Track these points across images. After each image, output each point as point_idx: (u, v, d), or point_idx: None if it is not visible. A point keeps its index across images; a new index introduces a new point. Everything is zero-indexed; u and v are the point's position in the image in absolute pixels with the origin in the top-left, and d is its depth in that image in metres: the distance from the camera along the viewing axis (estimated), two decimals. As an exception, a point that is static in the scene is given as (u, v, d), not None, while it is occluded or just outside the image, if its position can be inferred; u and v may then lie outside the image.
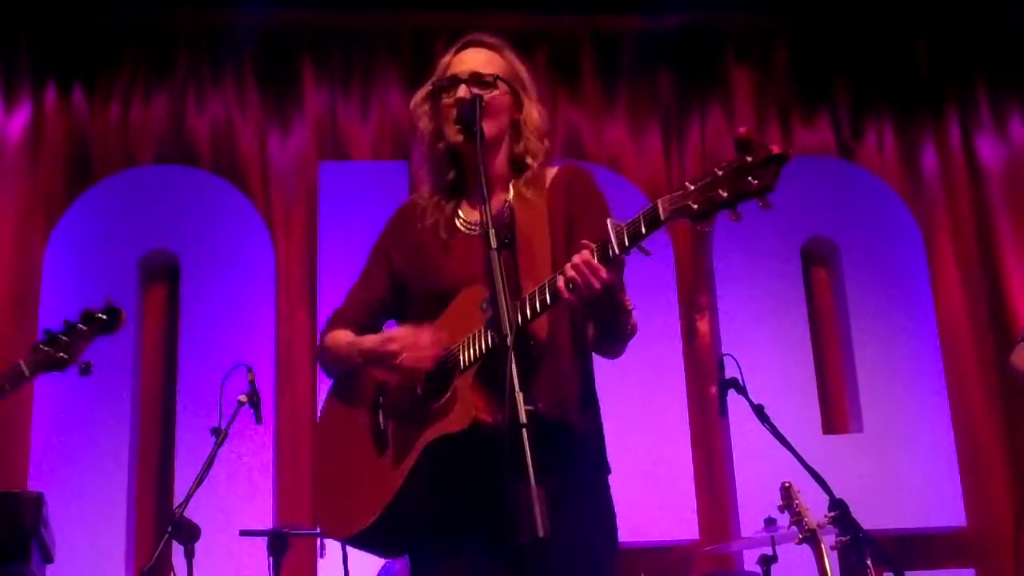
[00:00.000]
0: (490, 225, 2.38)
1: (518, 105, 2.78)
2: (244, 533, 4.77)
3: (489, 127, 2.66)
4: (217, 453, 4.35)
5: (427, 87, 2.81)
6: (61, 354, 3.64)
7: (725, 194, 2.28)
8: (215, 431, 4.41)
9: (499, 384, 2.22)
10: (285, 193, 6.32)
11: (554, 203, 2.72)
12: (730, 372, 4.48)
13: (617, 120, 6.60)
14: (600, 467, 2.69)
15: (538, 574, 2.28)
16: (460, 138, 2.64)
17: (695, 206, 2.30)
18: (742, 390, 4.42)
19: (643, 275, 5.93)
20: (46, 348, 3.65)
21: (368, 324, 2.82)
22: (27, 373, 3.66)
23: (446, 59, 2.80)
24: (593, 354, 2.83)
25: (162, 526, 5.15)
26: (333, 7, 6.49)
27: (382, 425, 2.65)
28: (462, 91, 2.68)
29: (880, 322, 6.23)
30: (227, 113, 6.38)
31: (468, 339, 2.52)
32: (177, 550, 4.29)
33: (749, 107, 6.66)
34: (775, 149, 2.21)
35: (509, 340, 2.22)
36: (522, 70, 2.83)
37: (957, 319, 6.40)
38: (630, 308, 2.57)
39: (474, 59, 2.76)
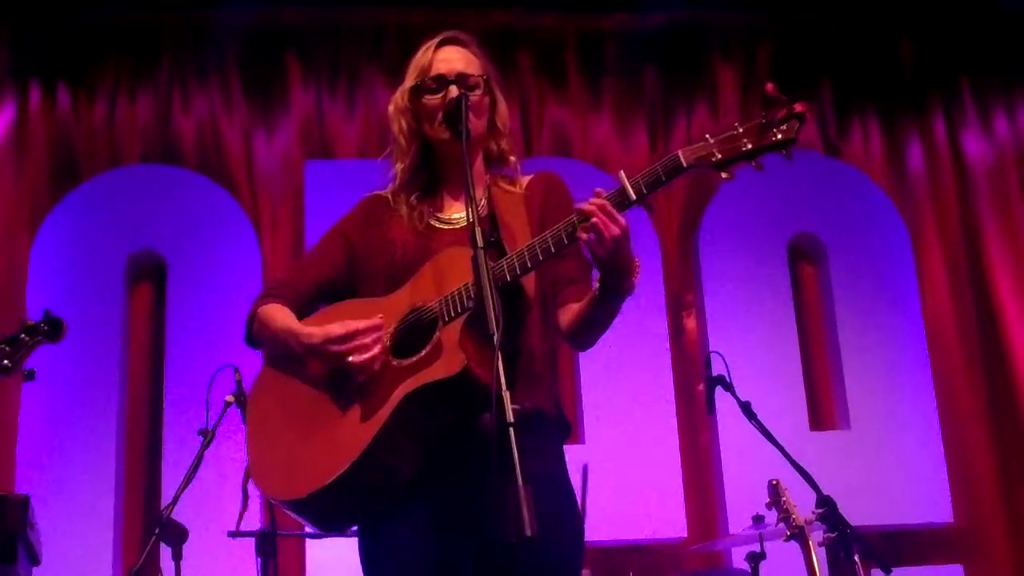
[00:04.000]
0: (476, 224, 2.38)
1: (493, 103, 2.83)
2: (232, 534, 4.76)
3: (475, 127, 2.72)
4: (204, 454, 4.34)
5: (409, 84, 2.81)
6: (5, 361, 3.69)
7: (750, 145, 2.41)
8: (202, 432, 4.40)
9: (487, 338, 2.23)
10: (271, 192, 6.31)
11: (531, 203, 2.78)
12: (717, 369, 4.48)
13: (603, 119, 6.60)
14: (560, 440, 2.72)
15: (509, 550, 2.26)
16: (446, 135, 2.67)
17: (719, 155, 2.43)
18: (729, 387, 4.42)
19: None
20: None
21: (306, 303, 2.83)
22: None
23: (425, 57, 2.82)
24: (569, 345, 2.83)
25: (150, 527, 5.14)
26: (318, 5, 6.48)
27: (341, 389, 2.60)
28: (453, 91, 2.70)
29: (867, 318, 6.25)
30: (212, 112, 6.36)
31: (450, 296, 2.52)
32: (165, 551, 4.28)
33: (734, 105, 6.67)
34: (798, 107, 2.38)
35: (496, 339, 2.21)
36: (492, 67, 2.87)
37: (943, 315, 6.42)
38: (638, 265, 2.55)
39: (457, 58, 2.80)
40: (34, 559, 4.35)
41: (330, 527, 2.75)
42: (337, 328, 2.58)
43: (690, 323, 6.32)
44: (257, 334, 2.84)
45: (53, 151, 6.24)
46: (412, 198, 2.82)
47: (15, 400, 5.70)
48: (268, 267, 6.12)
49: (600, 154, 6.52)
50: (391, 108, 2.88)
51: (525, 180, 2.85)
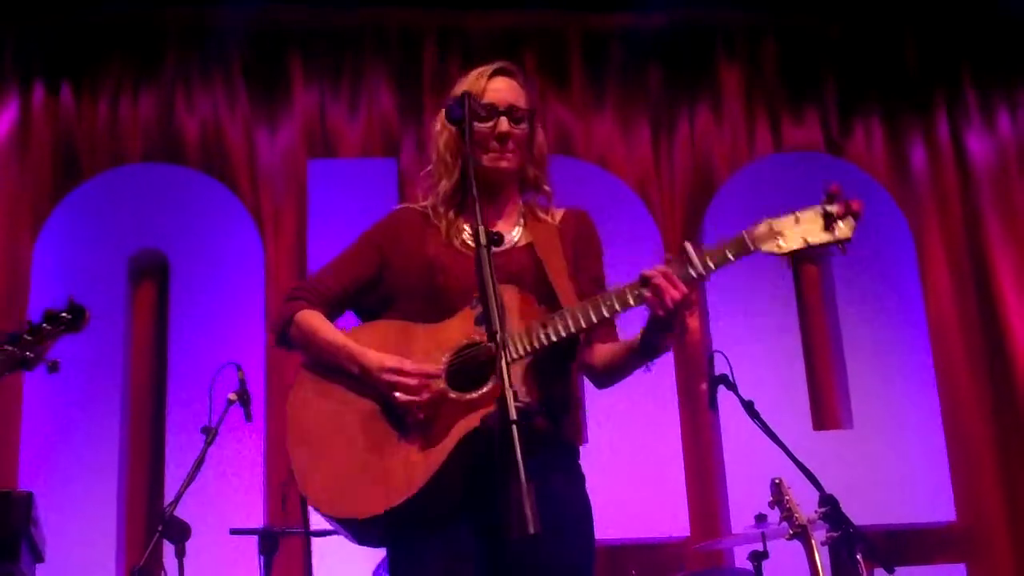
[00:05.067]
0: (480, 221, 2.43)
1: (533, 133, 2.96)
2: (234, 532, 4.77)
3: (516, 157, 2.88)
4: (207, 452, 4.35)
5: (469, 118, 2.77)
6: (28, 353, 3.65)
7: (813, 240, 2.64)
8: (205, 430, 4.41)
9: (547, 383, 2.59)
10: (274, 191, 6.31)
11: (565, 239, 2.91)
12: (720, 368, 4.48)
13: (606, 118, 6.59)
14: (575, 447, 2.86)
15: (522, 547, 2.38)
16: (486, 163, 2.82)
17: (784, 245, 2.68)
18: (732, 386, 4.42)
19: (633, 272, 5.93)
20: (11, 348, 3.65)
21: (334, 308, 2.88)
22: None
23: (478, 84, 2.89)
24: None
25: (153, 525, 5.17)
26: (321, 5, 6.48)
27: (396, 409, 2.65)
28: (503, 125, 2.84)
29: (869, 318, 6.24)
30: (215, 111, 6.36)
31: (513, 336, 2.61)
32: (168, 549, 4.29)
33: (738, 104, 6.67)
34: (855, 205, 2.59)
35: (499, 337, 2.26)
36: (535, 97, 3.02)
37: (946, 314, 6.41)
38: (687, 329, 2.77)
39: (508, 89, 2.91)
40: (37, 556, 4.35)
41: (368, 543, 2.81)
42: (392, 361, 2.65)
43: (693, 322, 6.31)
44: (295, 339, 2.86)
45: (56, 149, 6.24)
46: (451, 214, 2.88)
47: (19, 397, 5.70)
48: (271, 266, 6.13)
49: (603, 153, 6.52)
50: (437, 126, 2.96)
51: (559, 213, 2.98)
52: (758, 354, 5.91)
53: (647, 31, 6.56)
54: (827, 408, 6.29)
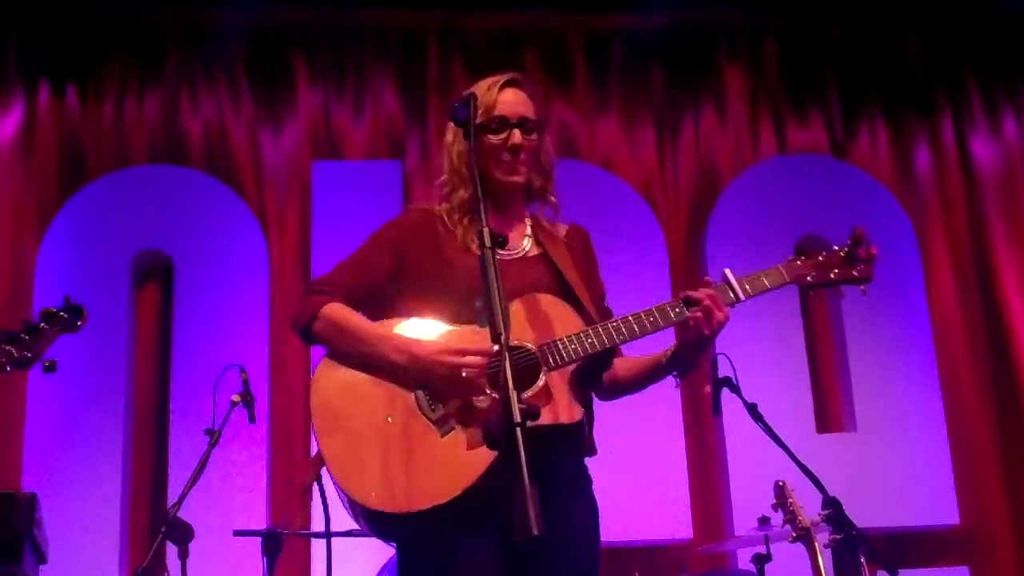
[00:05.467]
0: (485, 223, 2.46)
1: (541, 143, 2.98)
2: (238, 533, 4.77)
3: (526, 172, 2.93)
4: (211, 453, 4.35)
5: (474, 120, 2.80)
6: (25, 352, 3.65)
7: (834, 276, 2.89)
8: (209, 431, 4.41)
9: (589, 389, 2.76)
10: (278, 192, 6.31)
11: (574, 253, 2.99)
12: (724, 371, 4.48)
13: (610, 119, 6.59)
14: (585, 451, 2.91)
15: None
16: (501, 177, 2.88)
17: (810, 279, 2.89)
18: (736, 389, 4.41)
19: (637, 274, 5.94)
20: (8, 347, 3.65)
21: (353, 304, 2.87)
22: None
23: (489, 96, 2.90)
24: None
25: (156, 526, 5.17)
26: (325, 6, 6.49)
27: (436, 403, 2.68)
28: (516, 137, 2.88)
29: (873, 320, 6.23)
30: (220, 113, 6.37)
31: (556, 342, 2.69)
32: (171, 550, 4.29)
33: (742, 106, 6.67)
34: (873, 250, 2.88)
35: (503, 339, 2.28)
36: (542, 107, 3.05)
37: (950, 317, 6.41)
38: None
39: (519, 101, 2.94)
40: (40, 557, 4.35)
41: (394, 540, 2.83)
42: (456, 341, 2.70)
43: (696, 325, 6.30)
44: (321, 333, 2.84)
45: (61, 151, 6.25)
46: (465, 220, 2.90)
47: (22, 398, 5.71)
48: (275, 267, 6.13)
49: (607, 155, 6.51)
50: (449, 136, 2.99)
51: (562, 228, 3.06)
52: (762, 357, 5.91)
53: (648, 31, 6.55)
54: (831, 411, 6.28)
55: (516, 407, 2.18)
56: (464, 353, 2.66)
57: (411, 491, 2.61)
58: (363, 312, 2.87)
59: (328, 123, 6.45)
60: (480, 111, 2.85)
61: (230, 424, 4.49)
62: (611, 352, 2.81)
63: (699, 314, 2.73)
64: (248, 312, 5.97)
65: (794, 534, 4.16)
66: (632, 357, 2.97)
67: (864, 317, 6.24)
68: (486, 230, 2.43)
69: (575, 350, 2.69)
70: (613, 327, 2.72)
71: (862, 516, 4.13)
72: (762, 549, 4.61)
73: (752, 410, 4.34)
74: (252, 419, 4.63)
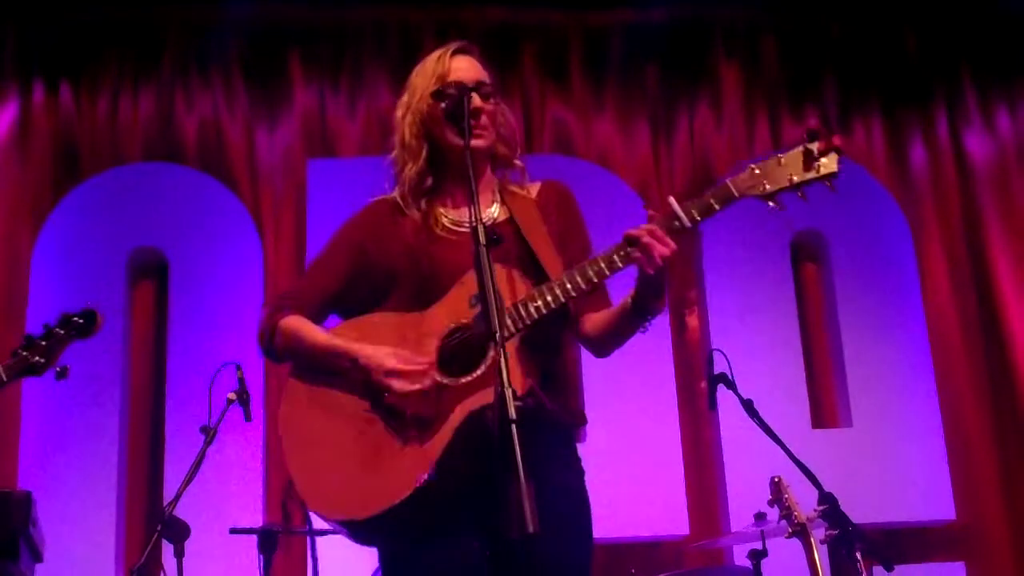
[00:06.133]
0: (479, 221, 2.42)
1: (500, 111, 2.90)
2: (234, 531, 4.77)
3: (490, 134, 2.83)
4: (206, 451, 4.34)
5: (430, 89, 2.82)
6: (38, 358, 3.67)
7: (796, 177, 2.59)
8: (204, 429, 4.40)
9: (542, 358, 2.55)
10: (273, 190, 6.31)
11: (546, 212, 2.86)
12: (719, 367, 4.48)
13: (605, 116, 6.59)
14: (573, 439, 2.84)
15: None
16: (460, 141, 2.70)
17: (768, 186, 2.59)
18: (731, 385, 4.42)
19: (632, 270, 5.93)
20: (24, 352, 3.68)
21: (316, 314, 2.85)
22: (4, 378, 3.70)
23: (441, 64, 2.85)
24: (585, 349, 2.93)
25: (152, 524, 5.17)
26: (321, 3, 6.48)
27: (390, 403, 2.62)
28: (476, 100, 2.77)
29: (869, 316, 6.24)
30: (215, 110, 6.36)
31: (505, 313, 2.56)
32: (167, 548, 4.28)
33: (738, 102, 6.66)
34: (836, 141, 2.59)
35: (498, 337, 2.25)
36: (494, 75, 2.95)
37: (945, 312, 6.41)
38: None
39: (474, 67, 2.87)
40: (36, 556, 4.35)
41: (369, 543, 2.77)
42: (391, 360, 2.60)
43: (692, 320, 6.32)
44: (282, 347, 2.82)
45: (56, 149, 6.25)
46: (422, 201, 2.85)
47: (18, 397, 5.70)
48: (270, 265, 6.13)
49: (602, 152, 6.51)
50: (399, 112, 2.92)
51: (534, 187, 2.94)
52: (757, 352, 5.92)
53: (646, 28, 6.55)
54: (826, 406, 6.29)
55: (511, 404, 2.15)
56: (400, 373, 2.58)
57: (366, 496, 2.56)
58: (346, 314, 2.84)
59: (323, 120, 6.45)
60: (433, 80, 2.82)
61: (226, 422, 4.48)
62: (563, 313, 2.66)
63: (638, 254, 2.54)
64: (244, 309, 5.96)
65: (790, 530, 4.16)
66: (609, 308, 2.82)
67: (859, 312, 6.25)
68: (481, 227, 2.39)
69: (521, 317, 2.56)
70: (558, 286, 2.58)
71: (858, 512, 4.14)
72: (758, 545, 4.61)
73: (748, 406, 4.34)
74: (248, 417, 4.62)
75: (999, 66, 6.84)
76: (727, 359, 4.46)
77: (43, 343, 3.68)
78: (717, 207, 2.58)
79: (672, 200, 2.58)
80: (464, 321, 2.61)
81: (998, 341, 6.39)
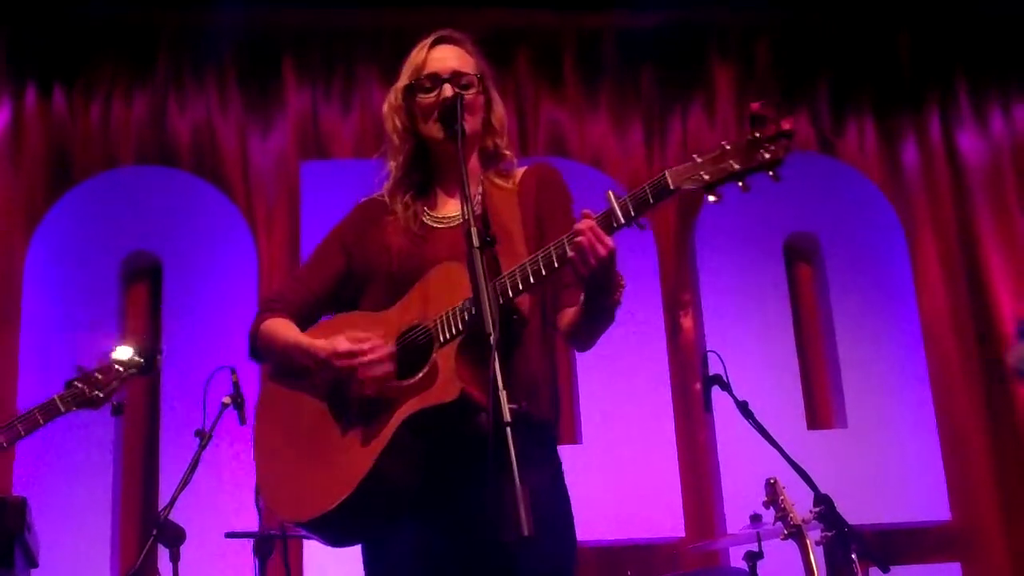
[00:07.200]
0: (472, 224, 2.38)
1: (488, 101, 2.83)
2: (229, 535, 4.76)
3: (470, 125, 2.69)
4: (201, 455, 4.33)
5: (404, 82, 2.83)
6: (96, 392, 3.77)
7: (737, 165, 2.34)
8: (199, 433, 4.39)
9: (483, 359, 2.25)
10: (267, 193, 6.30)
11: (525, 198, 2.78)
12: (714, 368, 4.48)
13: (599, 118, 6.59)
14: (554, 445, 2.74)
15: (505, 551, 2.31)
16: (440, 135, 2.68)
17: (707, 176, 2.35)
18: (726, 386, 4.42)
19: (626, 271, 5.93)
20: (80, 385, 3.78)
21: (307, 315, 2.83)
22: (62, 409, 3.91)
23: (419, 56, 2.84)
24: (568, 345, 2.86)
25: (147, 529, 5.15)
26: (313, 6, 6.47)
27: (342, 406, 2.60)
28: (447, 90, 2.71)
29: (863, 316, 6.25)
30: (208, 114, 6.35)
31: (446, 315, 2.52)
32: (162, 553, 4.28)
33: (731, 103, 6.66)
34: (785, 125, 2.32)
35: (492, 339, 2.22)
36: (487, 66, 2.89)
37: (939, 313, 6.42)
38: (623, 283, 2.56)
39: (451, 57, 2.82)
40: (31, 561, 4.34)
41: (340, 544, 2.73)
42: (344, 343, 2.56)
43: (687, 322, 6.32)
44: (263, 350, 2.82)
45: (49, 152, 6.24)
46: (407, 197, 2.82)
47: (11, 402, 5.68)
48: (264, 268, 6.12)
49: (596, 153, 6.52)
50: (385, 107, 2.90)
51: (519, 174, 2.85)
52: (752, 354, 5.91)
53: (641, 30, 6.55)
54: (821, 408, 6.30)
55: (505, 407, 2.13)
56: (354, 353, 2.54)
57: (313, 497, 2.55)
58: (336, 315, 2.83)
59: (316, 123, 6.45)
60: (410, 72, 2.81)
61: (221, 425, 4.48)
62: (513, 310, 2.51)
63: (572, 255, 2.39)
64: (238, 313, 5.93)
65: (786, 531, 4.17)
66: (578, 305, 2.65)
67: (854, 313, 6.25)
68: (474, 231, 2.36)
69: (458, 320, 2.48)
70: (500, 284, 2.45)
71: (853, 513, 4.15)
72: (754, 546, 4.61)
73: (743, 407, 4.35)
74: (243, 420, 4.62)
75: (992, 67, 6.85)
76: (722, 361, 4.46)
77: (98, 376, 3.77)
78: (652, 201, 2.37)
79: (610, 194, 2.41)
80: (417, 321, 2.58)
81: (992, 341, 6.39)
